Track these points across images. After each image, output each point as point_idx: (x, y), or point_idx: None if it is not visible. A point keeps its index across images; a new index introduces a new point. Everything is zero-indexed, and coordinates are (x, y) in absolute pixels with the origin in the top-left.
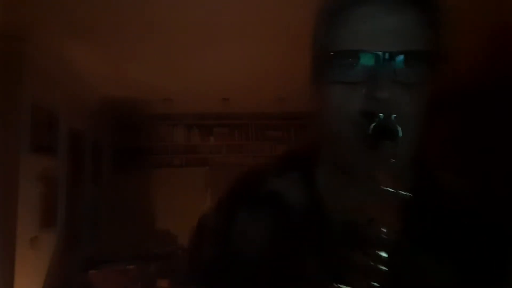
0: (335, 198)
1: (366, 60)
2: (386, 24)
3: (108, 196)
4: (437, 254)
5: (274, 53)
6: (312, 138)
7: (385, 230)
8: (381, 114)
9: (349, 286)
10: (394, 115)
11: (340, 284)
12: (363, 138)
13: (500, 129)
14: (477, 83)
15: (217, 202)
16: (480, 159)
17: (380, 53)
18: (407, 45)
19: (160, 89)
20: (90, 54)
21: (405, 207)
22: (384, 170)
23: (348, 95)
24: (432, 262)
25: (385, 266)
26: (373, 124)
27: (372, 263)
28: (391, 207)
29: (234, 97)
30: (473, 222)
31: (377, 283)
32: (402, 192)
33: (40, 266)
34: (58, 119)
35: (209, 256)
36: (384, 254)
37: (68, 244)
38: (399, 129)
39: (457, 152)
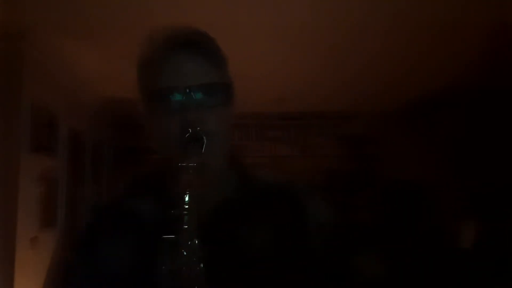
0: (176, 186)
1: (177, 93)
2: (187, 67)
3: (108, 196)
4: (257, 228)
5: (274, 53)
6: (156, 158)
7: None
8: (190, 129)
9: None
10: (199, 128)
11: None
12: (181, 148)
13: (499, 128)
14: (477, 83)
15: (77, 238)
16: (478, 159)
17: (186, 87)
18: (203, 80)
19: None
20: (90, 54)
21: (230, 197)
22: (195, 156)
23: (169, 120)
24: (249, 233)
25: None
26: (186, 136)
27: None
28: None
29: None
30: (276, 205)
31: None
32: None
33: (40, 266)
34: (58, 119)
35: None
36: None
37: (68, 244)
38: (204, 137)
39: (456, 151)
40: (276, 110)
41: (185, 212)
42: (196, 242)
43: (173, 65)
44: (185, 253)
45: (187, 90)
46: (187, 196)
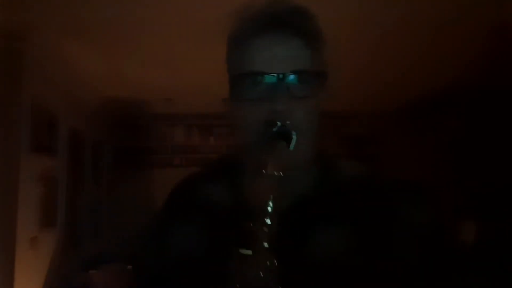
0: (258, 195)
1: (266, 80)
2: (280, 50)
3: (108, 196)
4: (339, 228)
5: None
6: (238, 145)
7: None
8: (278, 122)
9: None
10: (288, 122)
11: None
12: (267, 142)
13: (499, 128)
14: (476, 83)
15: (158, 211)
16: (478, 159)
17: (276, 74)
18: (297, 66)
19: (160, 89)
20: (90, 54)
21: (313, 190)
22: (281, 162)
23: (254, 109)
24: (336, 234)
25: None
26: (273, 130)
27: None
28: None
29: None
30: (365, 201)
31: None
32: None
33: (40, 266)
34: (58, 119)
35: (152, 262)
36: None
37: (68, 244)
38: (293, 132)
39: (456, 151)
40: None
41: (266, 228)
42: (276, 263)
43: (265, 47)
44: (261, 275)
45: (279, 77)
46: (269, 208)
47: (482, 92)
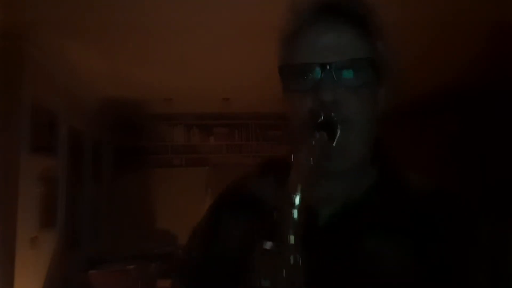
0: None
1: (314, 70)
2: (329, 40)
3: (108, 196)
4: (394, 244)
5: (273, 53)
6: (288, 144)
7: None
8: (322, 114)
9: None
10: (333, 114)
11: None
12: (308, 132)
13: (499, 129)
14: (476, 83)
15: (207, 209)
16: (477, 159)
17: (324, 63)
18: (348, 55)
19: (160, 89)
20: (90, 54)
21: (367, 196)
22: (320, 154)
23: (301, 100)
24: (389, 250)
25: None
26: (316, 122)
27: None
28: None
29: (234, 97)
30: (431, 219)
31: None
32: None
33: (40, 266)
34: (58, 119)
35: (197, 256)
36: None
37: (68, 244)
38: (338, 126)
39: (455, 151)
40: (276, 110)
41: (291, 221)
42: (300, 260)
43: (314, 37)
44: (284, 274)
45: (327, 67)
46: (297, 199)
47: (483, 92)
